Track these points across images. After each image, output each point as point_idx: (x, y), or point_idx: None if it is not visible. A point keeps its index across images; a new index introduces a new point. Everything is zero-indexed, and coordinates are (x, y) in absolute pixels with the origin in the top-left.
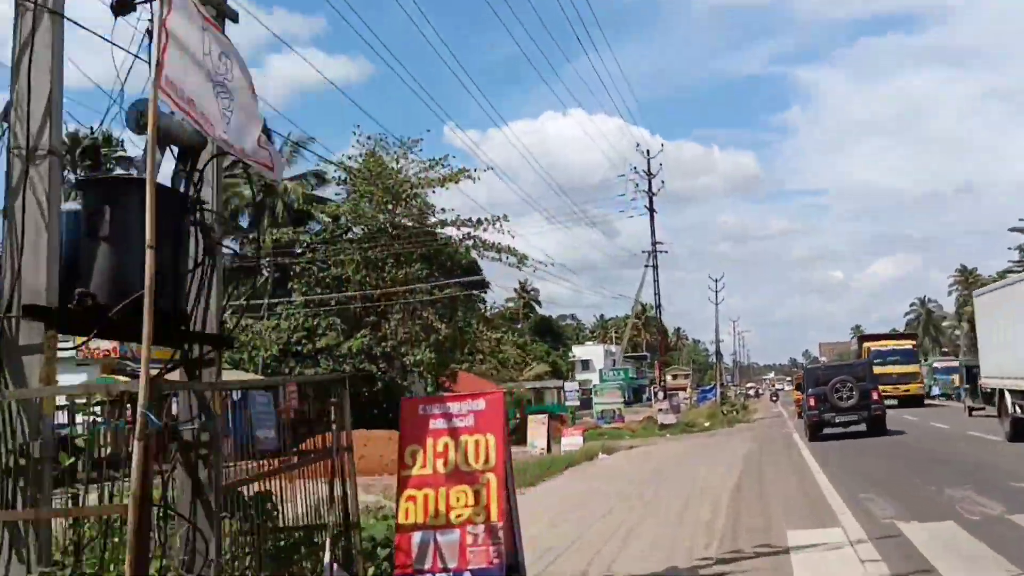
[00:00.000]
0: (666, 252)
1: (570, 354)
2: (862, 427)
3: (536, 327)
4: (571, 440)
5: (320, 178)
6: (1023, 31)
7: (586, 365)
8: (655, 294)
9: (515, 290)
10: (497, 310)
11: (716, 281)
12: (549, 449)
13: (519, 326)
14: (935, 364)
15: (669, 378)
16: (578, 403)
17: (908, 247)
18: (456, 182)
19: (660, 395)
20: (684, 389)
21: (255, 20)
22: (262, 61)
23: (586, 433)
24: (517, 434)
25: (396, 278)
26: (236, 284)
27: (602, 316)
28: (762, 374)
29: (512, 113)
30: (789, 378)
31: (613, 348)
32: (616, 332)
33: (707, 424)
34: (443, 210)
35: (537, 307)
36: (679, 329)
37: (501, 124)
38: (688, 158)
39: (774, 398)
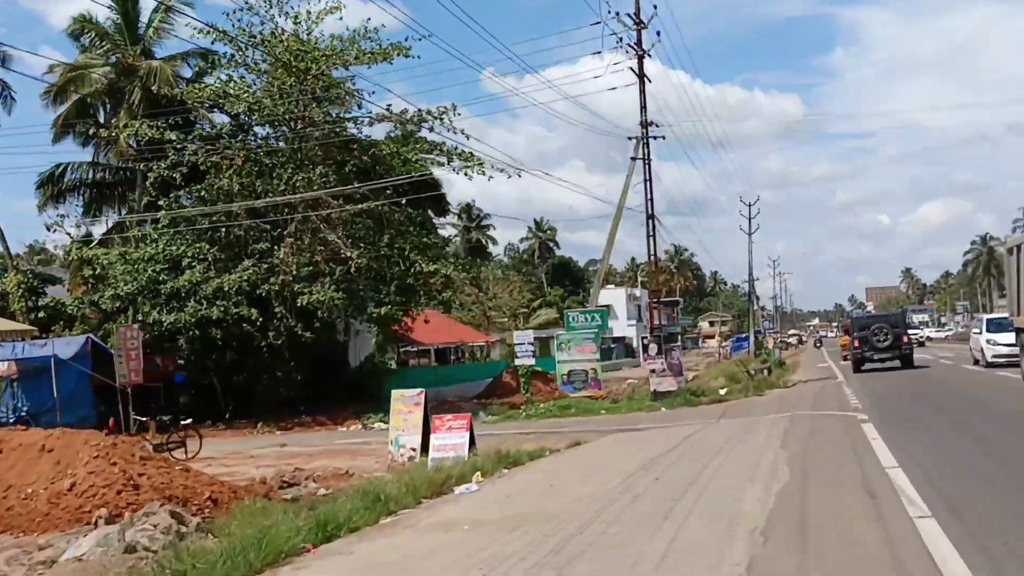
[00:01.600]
0: (663, 138)
1: (587, 299)
2: (896, 363)
3: (554, 270)
4: (450, 439)
5: (207, 59)
6: None
7: (607, 311)
8: (647, 200)
9: (529, 228)
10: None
11: (749, 206)
12: (425, 450)
13: (535, 268)
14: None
15: (706, 325)
16: (532, 361)
17: (957, 189)
18: (387, 60)
19: (652, 349)
20: (712, 337)
21: None
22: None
23: (553, 403)
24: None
25: (292, 185)
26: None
27: (633, 259)
28: (806, 320)
29: (549, 59)
30: (834, 324)
31: (637, 292)
32: (647, 276)
33: (724, 391)
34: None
35: (555, 248)
36: (715, 273)
37: (535, 70)
38: (732, 103)
39: (818, 344)
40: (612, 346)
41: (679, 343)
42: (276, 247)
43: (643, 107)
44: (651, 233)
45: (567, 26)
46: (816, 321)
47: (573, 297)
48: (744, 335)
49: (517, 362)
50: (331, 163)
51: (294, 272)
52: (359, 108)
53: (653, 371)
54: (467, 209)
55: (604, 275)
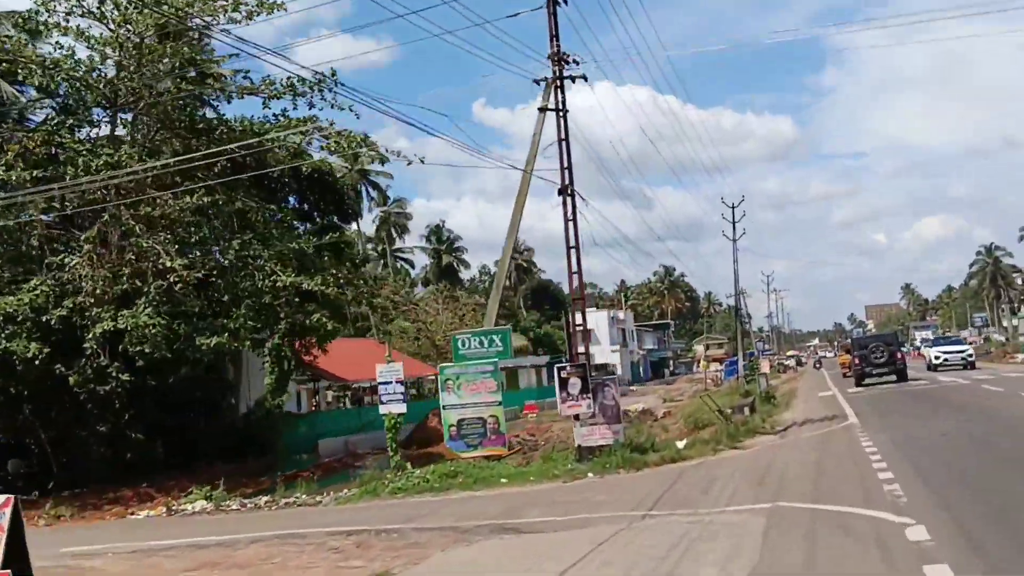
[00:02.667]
0: (583, 79)
1: (557, 323)
2: (893, 377)
3: (533, 293)
4: None
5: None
6: None
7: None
8: (563, 169)
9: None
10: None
11: (733, 208)
12: None
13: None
14: None
15: (700, 348)
16: (402, 407)
17: (954, 204)
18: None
19: (574, 385)
20: (710, 360)
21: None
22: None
23: (434, 468)
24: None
25: (89, 169)
26: None
27: (623, 282)
28: (806, 341)
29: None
30: (835, 344)
31: (621, 314)
32: (637, 298)
33: (684, 443)
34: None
35: (534, 270)
36: (709, 294)
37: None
38: (725, 126)
39: (818, 365)
40: (592, 375)
41: (616, 375)
42: (73, 257)
43: (553, 35)
44: (570, 216)
45: None
46: (816, 341)
47: (555, 323)
48: (736, 358)
49: (382, 409)
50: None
51: (96, 291)
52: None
53: (577, 418)
54: (436, 231)
55: (505, 273)
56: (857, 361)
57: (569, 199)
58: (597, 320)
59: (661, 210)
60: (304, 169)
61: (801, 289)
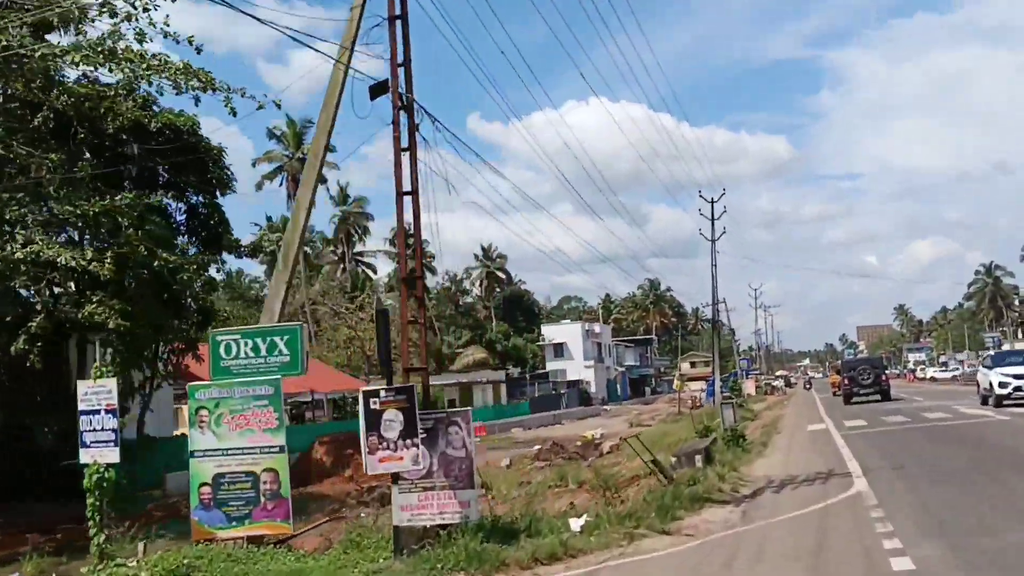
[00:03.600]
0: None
1: (539, 336)
2: (877, 397)
3: (505, 303)
4: None
5: None
6: None
7: (559, 351)
8: (395, 124)
9: (475, 256)
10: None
11: (712, 202)
12: None
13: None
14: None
15: (686, 366)
16: (113, 455)
17: (946, 227)
18: None
19: (391, 425)
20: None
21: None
22: (285, 57)
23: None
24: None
25: None
26: None
27: (607, 295)
28: (796, 361)
29: (532, 105)
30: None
31: (597, 327)
32: (621, 312)
33: (581, 524)
34: None
35: (506, 279)
36: (697, 309)
37: (515, 117)
38: (720, 144)
39: (808, 386)
40: (562, 392)
41: (461, 417)
42: None
43: None
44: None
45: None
46: (807, 362)
47: (527, 335)
48: (727, 376)
49: (83, 456)
50: None
51: None
52: None
53: (398, 479)
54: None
55: (291, 263)
56: (846, 381)
57: (403, 153)
58: (570, 333)
59: (655, 227)
60: (151, 125)
61: (792, 309)
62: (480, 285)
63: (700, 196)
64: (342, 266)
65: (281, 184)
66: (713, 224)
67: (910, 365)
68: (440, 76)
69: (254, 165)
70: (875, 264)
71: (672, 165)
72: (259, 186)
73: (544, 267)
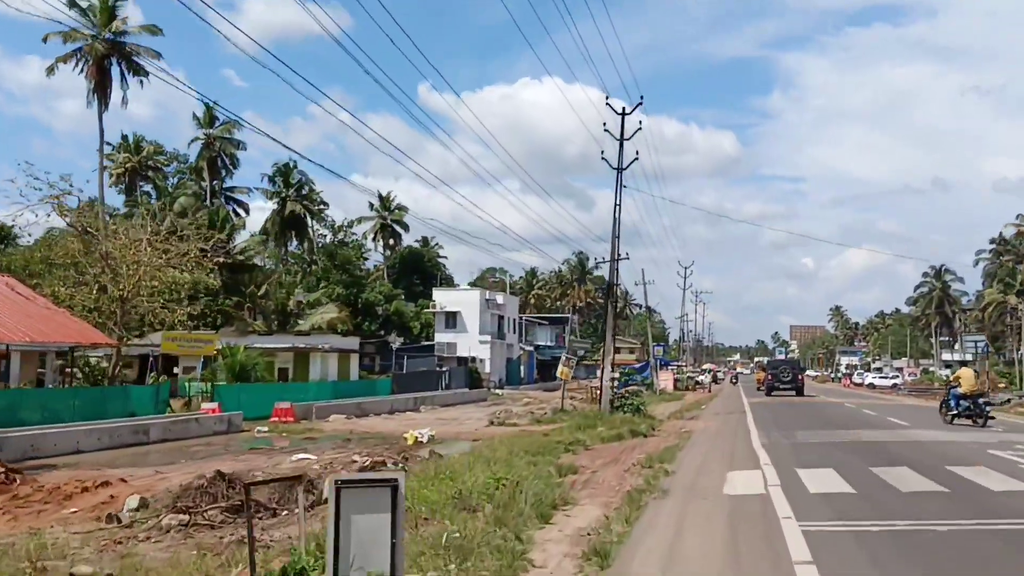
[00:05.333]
0: None
1: (431, 303)
2: (792, 392)
3: (401, 262)
4: None
5: None
6: (1009, 29)
7: (452, 321)
8: None
9: (370, 204)
10: None
11: (623, 114)
12: None
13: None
14: None
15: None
16: None
17: (881, 238)
18: None
19: None
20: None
21: None
22: (236, 3)
23: None
24: None
25: None
26: None
27: (533, 270)
28: (727, 355)
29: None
30: (756, 360)
31: (500, 297)
32: (544, 289)
33: None
34: None
35: (403, 232)
36: (627, 293)
37: (474, 89)
38: (670, 136)
39: (734, 381)
40: (442, 370)
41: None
42: None
43: None
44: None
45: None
46: (737, 357)
47: (423, 299)
48: (640, 365)
49: None
50: None
51: None
52: None
53: None
54: (283, 172)
55: None
56: (769, 377)
57: None
58: (467, 301)
59: (600, 213)
60: None
61: (727, 305)
62: (375, 239)
63: (607, 104)
64: (211, 202)
65: (80, 71)
66: (622, 145)
67: (843, 369)
68: (398, 39)
69: (44, 41)
70: (811, 267)
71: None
72: (51, 70)
73: (489, 245)
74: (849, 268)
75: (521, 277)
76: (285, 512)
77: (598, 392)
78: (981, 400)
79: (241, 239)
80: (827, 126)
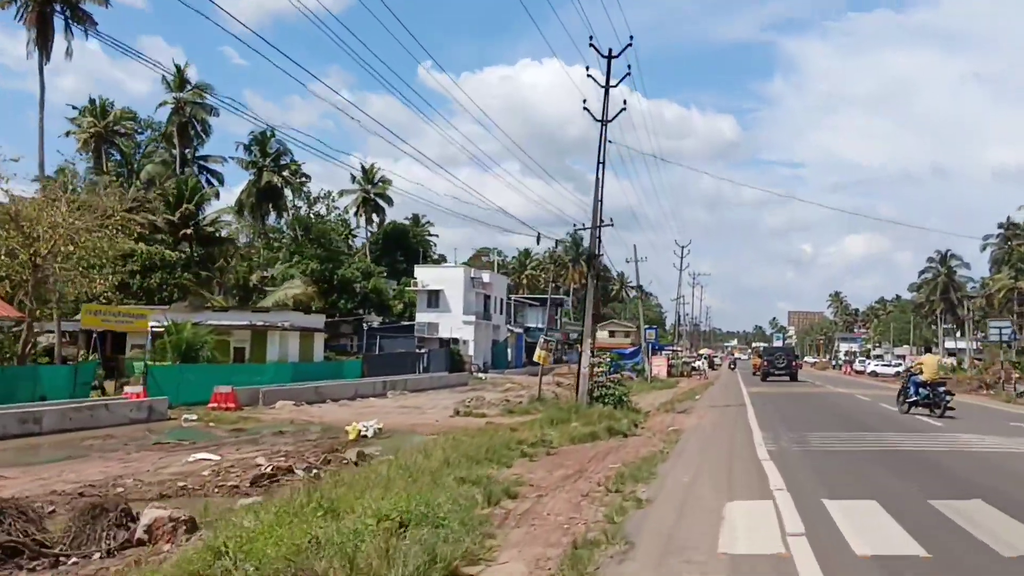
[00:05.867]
0: None
1: (412, 280)
2: (787, 378)
3: (385, 238)
4: None
5: None
6: (1010, 16)
7: (434, 300)
8: None
9: (352, 176)
10: None
11: (608, 58)
12: None
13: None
14: None
15: (604, 335)
16: None
17: (880, 225)
18: None
19: None
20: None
21: None
22: None
23: None
24: None
25: None
26: None
27: (527, 250)
28: (725, 341)
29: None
30: (753, 345)
31: (486, 276)
32: (537, 269)
33: None
34: None
35: (386, 207)
36: (623, 274)
37: (476, 70)
38: (670, 119)
39: (732, 366)
40: (420, 351)
41: None
42: None
43: None
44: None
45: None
46: (734, 342)
47: (408, 277)
48: (632, 350)
49: None
50: None
51: None
52: None
53: None
54: (260, 141)
55: None
56: (765, 363)
57: None
58: (450, 279)
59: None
60: None
61: (724, 290)
62: (357, 214)
63: (591, 46)
64: (183, 171)
65: (19, 18)
66: (607, 92)
67: (842, 356)
68: (399, 17)
69: None
70: (810, 252)
71: (621, 135)
72: None
73: (489, 228)
74: (848, 255)
75: (514, 257)
76: (74, 562)
77: (587, 377)
78: (941, 389)
79: (213, 210)
80: (828, 112)
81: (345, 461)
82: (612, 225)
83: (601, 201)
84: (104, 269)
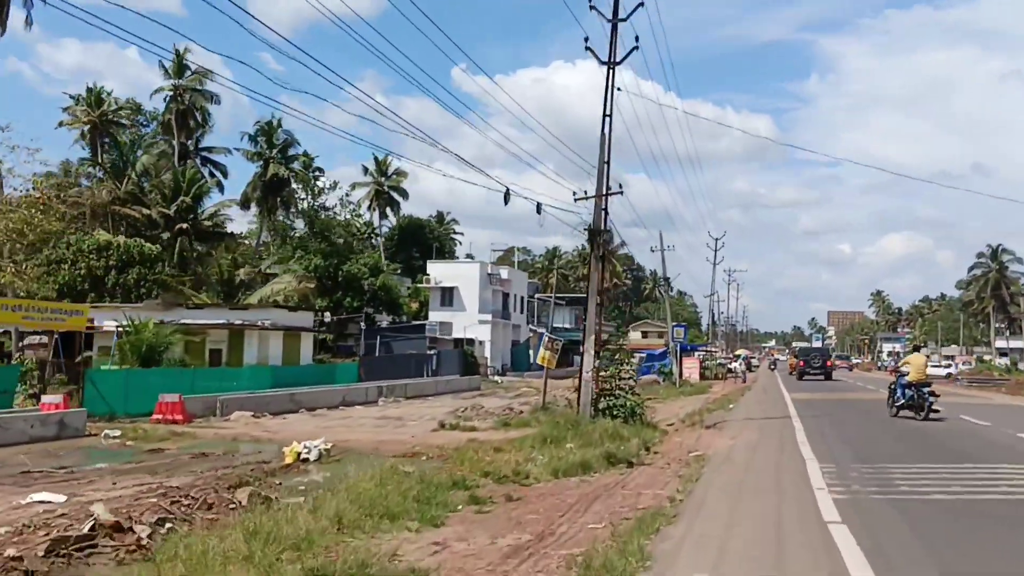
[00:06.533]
0: None
1: (424, 277)
2: (821, 376)
3: (401, 233)
4: None
5: None
6: None
7: (448, 297)
8: None
9: (364, 168)
10: None
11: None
12: None
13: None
14: None
15: (637, 335)
16: None
17: (920, 224)
18: None
19: None
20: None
21: None
22: None
23: None
24: None
25: None
26: None
27: (555, 248)
28: (762, 342)
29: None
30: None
31: (504, 272)
32: (567, 268)
33: None
34: None
35: (401, 200)
36: (654, 272)
37: (508, 72)
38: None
39: (772, 367)
40: (432, 351)
41: None
42: None
43: None
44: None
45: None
46: (772, 343)
47: (422, 275)
48: (660, 351)
49: None
50: None
51: None
52: None
53: None
54: (266, 131)
55: None
56: (801, 364)
57: None
58: (465, 276)
59: (632, 197)
60: None
61: (761, 291)
62: (370, 208)
63: (592, 8)
64: (184, 163)
65: None
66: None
67: (885, 356)
68: (432, 21)
69: None
70: (847, 253)
71: (655, 135)
72: None
73: (525, 226)
74: (886, 255)
75: (540, 256)
76: None
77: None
78: (926, 390)
79: (220, 207)
80: (865, 111)
81: (233, 506)
82: (622, 192)
83: (608, 162)
84: (18, 256)
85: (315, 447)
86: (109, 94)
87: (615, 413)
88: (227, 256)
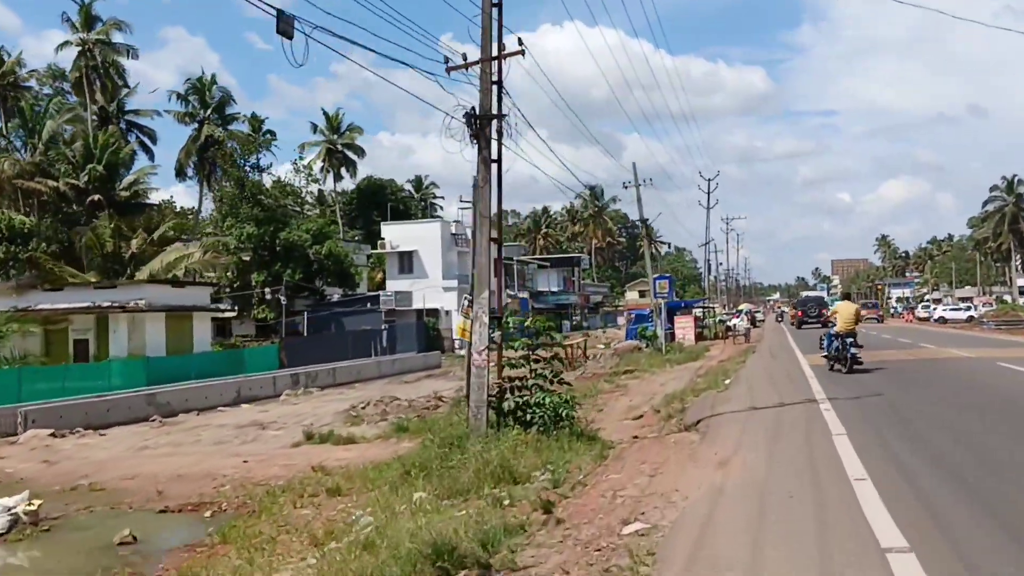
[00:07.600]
0: None
1: (379, 241)
2: (818, 325)
3: (360, 195)
4: None
5: None
6: None
7: (408, 262)
8: None
9: (313, 125)
10: None
11: None
12: None
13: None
14: None
15: (635, 295)
16: None
17: (919, 168)
18: None
19: None
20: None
21: None
22: None
23: None
24: None
25: None
26: None
27: (544, 208)
28: (767, 295)
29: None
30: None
31: (467, 226)
32: (555, 228)
33: None
34: None
35: (357, 159)
36: (649, 229)
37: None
38: (696, 76)
39: (779, 319)
40: (379, 328)
41: None
42: None
43: None
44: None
45: None
46: (777, 296)
47: (379, 239)
48: (650, 311)
49: None
50: None
51: None
52: None
53: None
54: (198, 88)
55: None
56: (799, 314)
57: None
58: (425, 237)
59: (628, 157)
60: None
61: (764, 245)
62: (324, 169)
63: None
64: (104, 127)
65: None
66: None
67: (893, 302)
68: None
69: None
70: (847, 201)
71: (648, 94)
72: None
73: (521, 194)
74: (886, 201)
75: (528, 217)
76: None
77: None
78: (848, 341)
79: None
80: (859, 58)
81: None
82: (523, 53)
83: (499, 4)
84: None
85: (9, 510)
86: (10, 55)
87: (529, 418)
88: (106, 225)
